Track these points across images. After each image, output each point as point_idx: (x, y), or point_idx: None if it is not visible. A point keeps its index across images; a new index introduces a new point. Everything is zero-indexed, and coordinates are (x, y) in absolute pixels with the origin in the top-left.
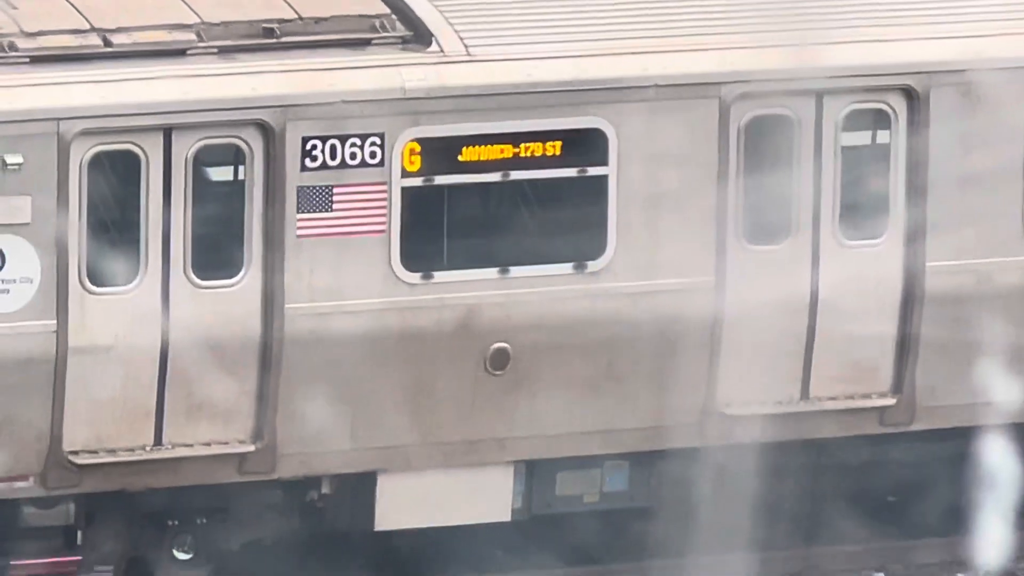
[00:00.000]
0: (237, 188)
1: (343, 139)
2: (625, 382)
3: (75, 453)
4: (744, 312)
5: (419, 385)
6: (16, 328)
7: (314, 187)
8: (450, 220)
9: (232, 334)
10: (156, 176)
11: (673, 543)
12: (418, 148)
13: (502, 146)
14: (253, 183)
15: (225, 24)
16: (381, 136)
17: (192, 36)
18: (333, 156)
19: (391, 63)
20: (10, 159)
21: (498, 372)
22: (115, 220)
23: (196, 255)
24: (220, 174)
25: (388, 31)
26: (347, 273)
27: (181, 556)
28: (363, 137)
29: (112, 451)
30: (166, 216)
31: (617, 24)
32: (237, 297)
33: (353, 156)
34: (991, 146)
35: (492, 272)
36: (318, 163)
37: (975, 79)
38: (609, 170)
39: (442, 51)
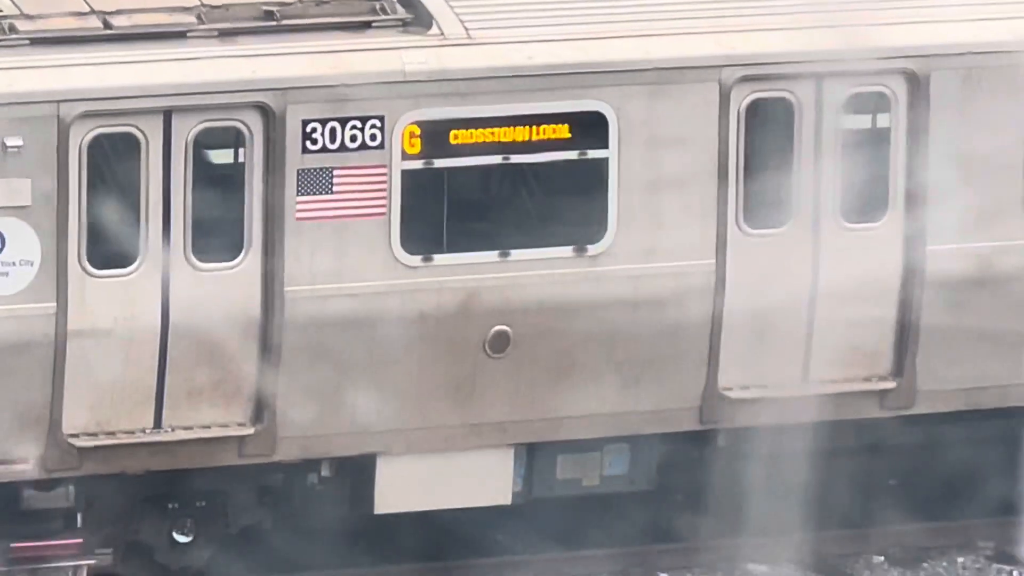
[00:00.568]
0: (237, 171)
1: (343, 122)
2: (625, 365)
3: (75, 436)
4: (745, 295)
5: (419, 368)
6: (16, 311)
7: (314, 170)
8: (450, 203)
9: (232, 317)
10: (156, 159)
11: (673, 526)
12: (418, 131)
13: (502, 129)
14: (253, 166)
15: (225, 7)
16: (381, 119)
17: (192, 19)
18: (333, 139)
19: (391, 46)
20: (10, 141)
21: (498, 355)
22: (115, 203)
23: (196, 238)
24: (220, 157)
25: (388, 14)
26: (347, 256)
27: (181, 539)
28: (363, 120)
29: (112, 434)
30: (166, 199)
31: (618, 7)
32: (237, 280)
33: (353, 139)
34: (992, 129)
35: (492, 255)
36: (318, 146)
37: (976, 62)
38: (609, 153)
39: (442, 34)
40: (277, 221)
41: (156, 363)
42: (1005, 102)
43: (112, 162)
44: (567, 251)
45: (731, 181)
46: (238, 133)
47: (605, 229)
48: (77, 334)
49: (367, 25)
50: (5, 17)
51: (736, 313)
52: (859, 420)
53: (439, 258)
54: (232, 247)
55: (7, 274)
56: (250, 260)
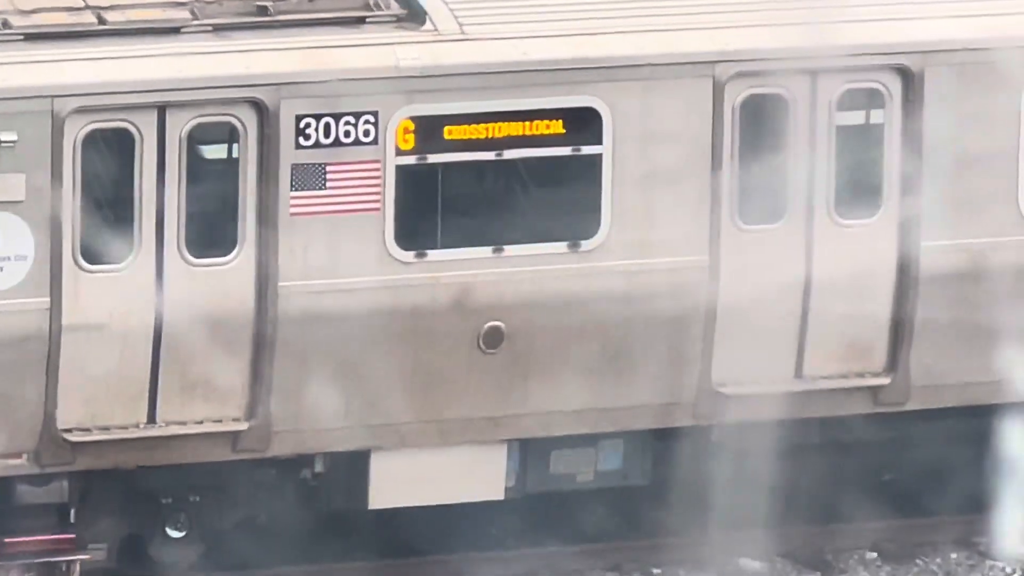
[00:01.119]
0: (231, 166)
1: (337, 117)
2: (619, 361)
3: (69, 431)
4: (739, 291)
5: (413, 363)
6: (10, 306)
7: (308, 165)
8: (444, 198)
9: (226, 312)
10: (150, 154)
11: (667, 521)
12: (412, 126)
13: (496, 125)
14: (247, 161)
15: (219, 2)
16: (375, 114)
17: (186, 14)
18: (327, 134)
19: (385, 41)
20: (4, 136)
21: (492, 351)
22: (109, 198)
23: (190, 233)
24: (214, 152)
25: (382, 9)
26: (341, 251)
27: (175, 534)
28: (357, 115)
29: (106, 429)
30: (160, 194)
31: (611, 3)
32: (231, 275)
33: (347, 134)
34: (986, 125)
35: (486, 251)
36: (312, 141)
37: (970, 58)
38: (603, 149)
39: (436, 30)
40: (271, 216)
41: (150, 358)
42: (999, 98)
43: (106, 157)
44: (561, 247)
45: (725, 177)
46: (232, 128)
47: (599, 225)
48: (71, 329)
49: (361, 20)
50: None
51: (730, 309)
52: (853, 415)
53: (433, 254)
54: (226, 242)
55: (1, 269)
56: (244, 255)
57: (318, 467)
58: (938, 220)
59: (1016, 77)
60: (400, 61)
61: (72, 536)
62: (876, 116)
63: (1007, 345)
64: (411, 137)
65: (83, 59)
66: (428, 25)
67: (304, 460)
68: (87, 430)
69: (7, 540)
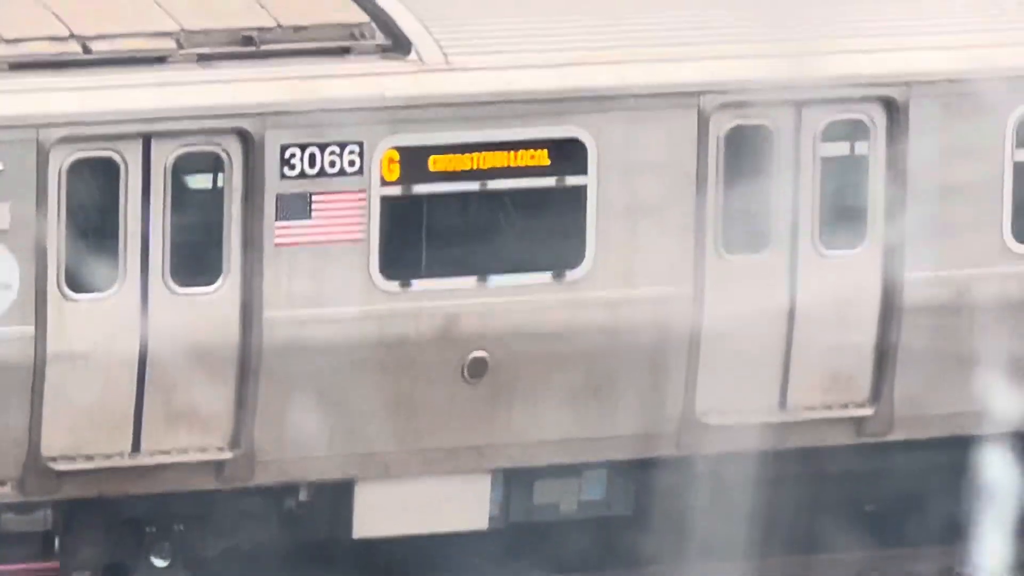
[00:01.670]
0: (216, 196)
1: (322, 147)
2: (603, 391)
3: (53, 459)
4: (723, 321)
5: (397, 393)
6: None
7: (293, 195)
8: (429, 229)
9: (210, 341)
10: (135, 183)
11: (651, 552)
12: (397, 157)
13: (481, 155)
14: (232, 191)
15: (205, 32)
16: (360, 144)
17: (172, 44)
18: (312, 164)
19: (370, 72)
20: None
21: (476, 380)
22: (94, 227)
23: (175, 262)
24: (199, 182)
25: (367, 39)
26: (326, 281)
27: (159, 563)
28: (342, 145)
29: (90, 457)
30: (145, 223)
31: (596, 34)
32: (215, 304)
33: (332, 164)
34: (970, 157)
35: (471, 281)
36: (297, 171)
37: (954, 90)
38: (588, 179)
39: (421, 60)
40: (255, 246)
41: (134, 387)
42: (983, 129)
43: (91, 186)
44: (545, 277)
45: (710, 207)
46: (217, 158)
47: (583, 255)
48: (56, 357)
49: (346, 51)
50: None
51: (714, 339)
52: (837, 446)
53: (417, 283)
54: (210, 272)
55: None
56: (228, 285)
57: (302, 496)
58: (922, 251)
59: (1000, 108)
60: (385, 91)
61: (56, 565)
62: (861, 147)
63: (990, 375)
64: (396, 167)
65: (68, 88)
66: (413, 55)
67: (288, 489)
68: (72, 458)
69: None
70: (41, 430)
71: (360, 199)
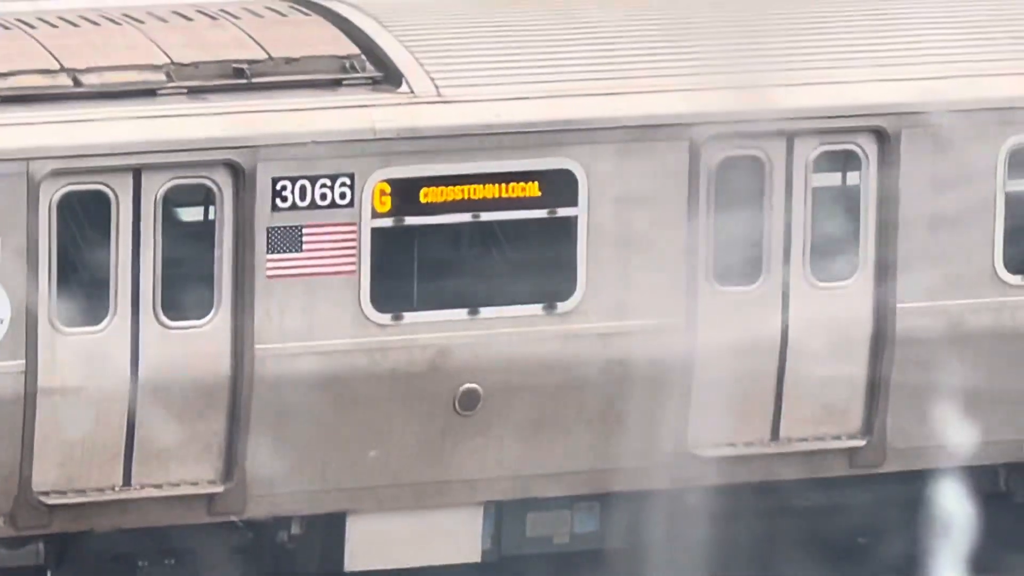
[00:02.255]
0: (207, 228)
1: (313, 180)
2: (595, 423)
3: (45, 493)
4: (714, 353)
5: (389, 426)
6: None
7: (284, 228)
8: (420, 261)
9: (201, 375)
10: (126, 216)
11: None
12: (388, 189)
13: (472, 187)
14: (223, 223)
15: (195, 64)
16: (351, 177)
17: (162, 76)
18: (303, 197)
19: (361, 104)
20: None
21: (468, 413)
22: (85, 260)
23: (166, 296)
24: (190, 214)
25: (358, 72)
26: (317, 314)
27: None
28: (333, 178)
29: (82, 491)
30: (135, 256)
31: (587, 65)
32: (207, 338)
33: (323, 197)
34: (962, 187)
35: (462, 313)
36: (288, 204)
37: (946, 120)
38: (579, 211)
39: (412, 92)
40: (247, 279)
41: (125, 421)
42: (975, 160)
43: (82, 220)
44: (537, 309)
45: (701, 238)
46: (208, 191)
47: (575, 287)
48: (47, 391)
49: (337, 83)
50: None
51: (706, 371)
52: (829, 478)
53: (409, 316)
54: (202, 305)
55: None
56: (220, 318)
57: (294, 529)
58: (914, 282)
59: (992, 139)
60: (376, 123)
61: None
62: (852, 178)
63: (983, 408)
64: (387, 199)
65: (58, 121)
66: (404, 87)
67: (280, 522)
68: (63, 492)
69: None
70: (32, 464)
71: (351, 231)
